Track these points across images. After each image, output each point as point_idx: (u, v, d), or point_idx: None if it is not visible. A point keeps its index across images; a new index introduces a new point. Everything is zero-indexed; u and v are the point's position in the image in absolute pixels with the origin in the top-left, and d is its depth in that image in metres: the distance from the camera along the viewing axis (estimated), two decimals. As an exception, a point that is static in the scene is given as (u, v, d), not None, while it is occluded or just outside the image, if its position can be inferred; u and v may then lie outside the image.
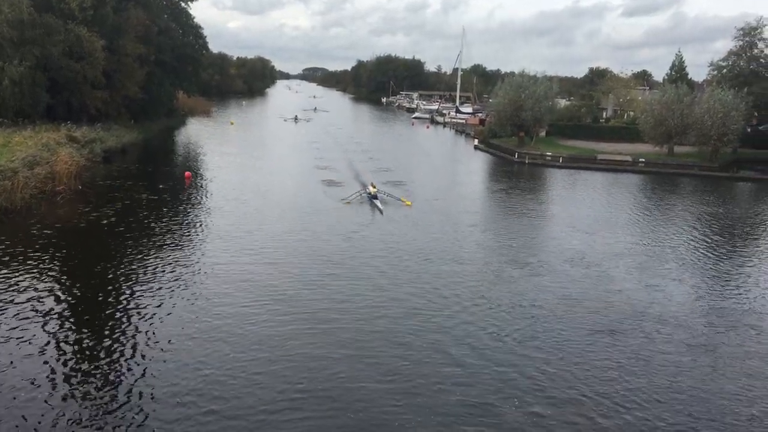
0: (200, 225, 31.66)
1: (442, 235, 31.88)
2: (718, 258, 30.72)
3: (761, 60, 69.82)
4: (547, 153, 65.33)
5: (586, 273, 26.65)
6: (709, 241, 34.10)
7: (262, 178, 46.41)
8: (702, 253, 31.45)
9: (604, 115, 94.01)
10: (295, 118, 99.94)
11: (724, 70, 71.31)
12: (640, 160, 63.48)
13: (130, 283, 22.71)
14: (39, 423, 13.59)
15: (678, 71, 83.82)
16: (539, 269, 26.89)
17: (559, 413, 15.12)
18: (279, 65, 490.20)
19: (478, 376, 16.82)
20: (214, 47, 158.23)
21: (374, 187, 39.49)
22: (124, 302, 20.87)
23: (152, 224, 30.97)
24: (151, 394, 15.00)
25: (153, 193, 38.22)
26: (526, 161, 63.89)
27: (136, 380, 15.69)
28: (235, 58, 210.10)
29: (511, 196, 45.63)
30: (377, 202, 37.28)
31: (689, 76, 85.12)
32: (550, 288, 24.49)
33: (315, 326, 19.49)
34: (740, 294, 25.22)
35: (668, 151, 66.72)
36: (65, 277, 23.02)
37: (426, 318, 20.64)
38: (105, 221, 30.80)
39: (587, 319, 21.41)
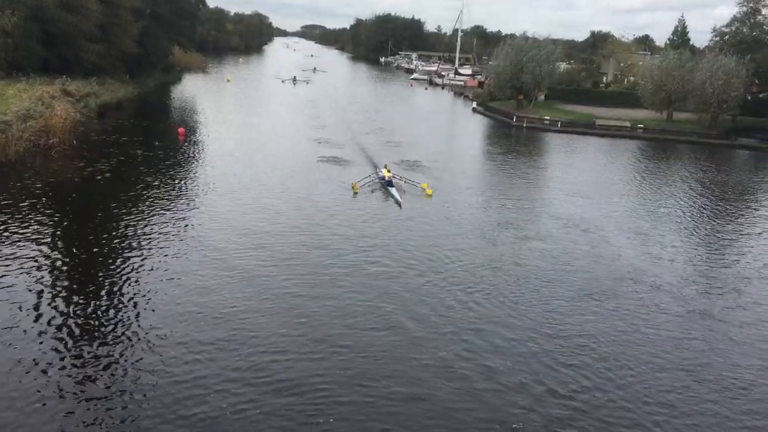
0: (193, 181, 31.52)
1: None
2: (714, 225, 30.80)
3: (764, 27, 68.94)
4: (546, 117, 64.91)
5: (581, 237, 26.66)
6: (706, 208, 34.13)
7: (258, 137, 46.04)
8: (698, 219, 31.53)
9: (604, 80, 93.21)
10: (294, 79, 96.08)
11: (727, 37, 70.41)
12: (639, 126, 63.18)
13: (123, 238, 22.62)
14: (19, 363, 13.63)
15: (680, 36, 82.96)
16: (535, 233, 26.89)
17: (550, 376, 15.21)
18: (277, 22, 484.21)
19: (472, 341, 16.88)
20: (211, 2, 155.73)
21: (389, 171, 33.15)
22: (116, 257, 20.81)
23: (146, 180, 30.77)
24: (142, 350, 15.03)
25: (147, 149, 37.92)
26: (525, 125, 63.48)
27: (126, 335, 15.69)
28: (232, 14, 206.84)
29: (508, 160, 45.45)
30: (393, 190, 31.30)
31: (691, 42, 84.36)
32: (545, 251, 24.51)
33: (303, 279, 19.51)
34: (734, 260, 25.34)
35: (667, 117, 66.40)
36: (58, 230, 22.89)
37: (418, 278, 20.66)
38: (99, 177, 30.59)
39: (581, 283, 21.46)
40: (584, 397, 14.47)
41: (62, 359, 14.39)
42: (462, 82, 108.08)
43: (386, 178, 32.14)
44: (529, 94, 71.72)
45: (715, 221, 31.61)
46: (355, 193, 31.05)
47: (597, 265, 23.47)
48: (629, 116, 66.51)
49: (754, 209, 35.53)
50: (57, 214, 24.56)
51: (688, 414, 14.13)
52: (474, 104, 79.26)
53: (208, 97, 70.43)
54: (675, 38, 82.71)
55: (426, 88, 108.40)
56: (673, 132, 62.61)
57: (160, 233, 23.29)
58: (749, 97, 67.73)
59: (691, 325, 18.84)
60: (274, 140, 45.07)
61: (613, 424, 13.48)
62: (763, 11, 68.22)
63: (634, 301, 20.24)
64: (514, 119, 64.98)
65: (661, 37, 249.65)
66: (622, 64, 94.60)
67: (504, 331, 17.40)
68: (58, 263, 19.92)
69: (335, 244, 23.40)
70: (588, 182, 38.72)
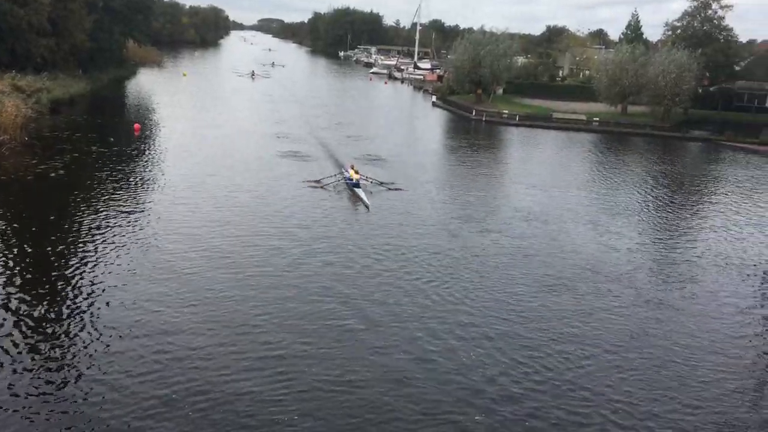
0: (149, 178, 30.96)
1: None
2: (669, 216, 31.54)
3: (714, 21, 70.74)
4: (504, 111, 65.53)
5: (539, 229, 27.02)
6: (660, 199, 34.92)
7: (215, 133, 45.45)
8: (653, 211, 32.26)
9: (560, 74, 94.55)
10: (252, 74, 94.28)
11: (678, 31, 72.13)
12: (594, 119, 64.25)
13: (77, 235, 22.12)
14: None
15: (634, 31, 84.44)
16: (495, 225, 27.16)
17: (506, 368, 15.39)
18: (233, 15, 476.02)
19: (427, 329, 16.98)
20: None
21: (356, 172, 31.17)
22: (70, 254, 20.34)
23: (101, 177, 30.14)
24: (100, 345, 14.76)
25: (102, 146, 37.12)
26: (484, 119, 63.99)
27: (78, 335, 15.38)
28: (187, 7, 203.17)
29: (468, 154, 45.79)
30: (360, 192, 29.74)
31: (645, 36, 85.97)
32: (505, 244, 24.78)
33: (262, 284, 19.39)
34: (689, 250, 25.96)
35: (622, 110, 67.67)
36: (9, 228, 22.25)
37: (379, 273, 20.70)
38: (53, 174, 29.84)
39: (540, 274, 21.75)
40: (543, 383, 14.67)
41: (13, 359, 14.03)
42: (421, 76, 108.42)
43: (353, 180, 30.54)
44: (488, 88, 72.30)
45: (669, 212, 32.37)
46: (318, 187, 30.62)
47: (555, 256, 23.81)
48: (585, 109, 67.62)
49: (707, 200, 36.46)
50: (8, 212, 23.87)
51: (642, 399, 14.44)
52: (434, 98, 79.57)
53: (164, 92, 69.17)
54: (629, 32, 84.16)
55: (385, 82, 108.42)
56: (628, 125, 63.83)
57: (115, 231, 22.83)
58: (700, 90, 69.51)
59: (647, 314, 19.25)
60: (231, 136, 44.52)
61: (570, 410, 13.70)
62: (713, 6, 69.98)
63: (592, 292, 20.59)
64: (474, 113, 65.44)
65: (617, 31, 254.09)
66: (577, 58, 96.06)
67: (465, 320, 17.54)
68: (10, 262, 19.38)
69: (294, 247, 22.98)
70: (546, 175, 39.25)
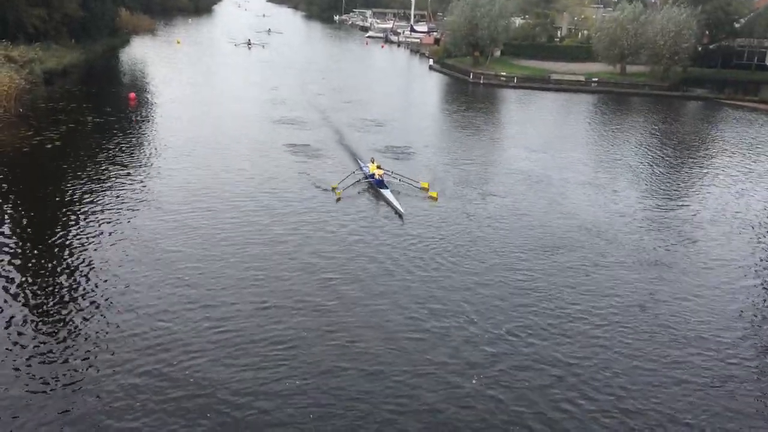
0: (146, 148, 30.83)
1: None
2: (668, 176, 31.47)
3: (714, -23, 69.58)
4: (502, 73, 64.93)
5: (539, 191, 27.01)
6: (659, 159, 34.80)
7: (212, 101, 45.12)
8: (652, 171, 32.18)
9: (558, 34, 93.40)
10: (249, 43, 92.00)
11: (678, -12, 71.00)
12: (593, 80, 63.70)
13: (74, 206, 22.08)
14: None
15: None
16: (493, 188, 27.14)
17: (506, 325, 15.50)
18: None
19: (420, 287, 17.07)
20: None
21: (378, 167, 26.02)
22: (67, 225, 20.33)
23: (98, 147, 30.00)
24: (95, 319, 14.84)
25: (98, 116, 36.84)
26: (481, 81, 63.46)
27: (76, 306, 15.46)
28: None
29: (466, 117, 45.51)
30: (388, 193, 24.62)
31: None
32: (502, 206, 24.80)
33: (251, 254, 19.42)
34: (688, 210, 25.97)
35: (621, 70, 67.05)
36: (5, 200, 22.24)
37: (372, 233, 20.74)
38: (48, 145, 29.68)
39: (539, 235, 21.81)
40: (540, 343, 14.81)
41: (8, 330, 14.12)
42: (418, 40, 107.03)
43: (376, 177, 25.44)
44: (485, 51, 71.50)
45: (669, 172, 32.29)
46: (338, 199, 24.62)
47: (554, 217, 23.84)
48: (583, 70, 66.99)
49: (707, 159, 36.34)
50: (3, 185, 23.81)
51: (640, 358, 14.58)
52: (430, 62, 78.75)
53: (159, 60, 68.36)
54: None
55: (382, 46, 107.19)
56: (627, 85, 63.34)
57: (113, 201, 22.83)
58: (700, 49, 68.74)
59: (645, 275, 19.33)
60: (228, 105, 44.19)
61: (568, 368, 13.82)
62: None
63: (591, 252, 20.66)
64: (471, 76, 64.87)
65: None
66: (576, 18, 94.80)
67: (462, 282, 17.62)
68: (7, 233, 19.41)
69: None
70: (545, 137, 39.06)
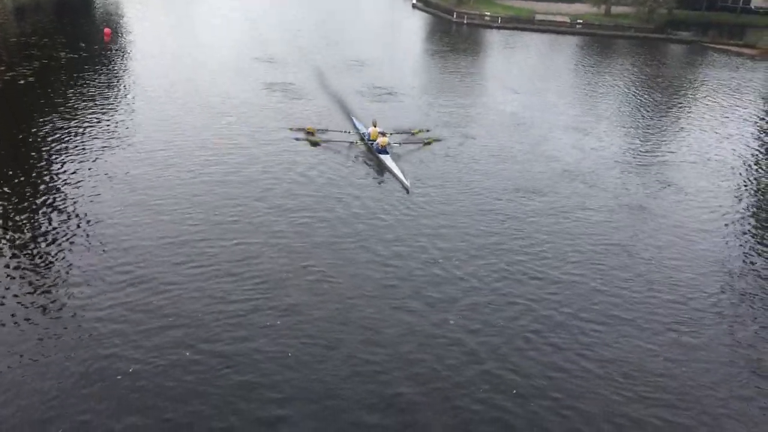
0: (122, 84, 30.11)
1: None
2: (650, 119, 31.40)
3: None
4: (486, 13, 63.79)
5: (521, 134, 26.86)
6: (642, 102, 34.67)
7: (188, 34, 43.96)
8: (635, 113, 32.09)
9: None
10: None
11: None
12: (578, 21, 62.85)
13: (46, 144, 21.60)
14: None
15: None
16: (475, 131, 26.92)
17: (487, 269, 15.59)
18: None
19: (388, 231, 17.06)
20: None
21: (381, 133, 22.72)
22: (39, 163, 19.96)
23: (72, 83, 29.25)
24: (74, 264, 14.69)
25: (71, 51, 35.80)
26: (465, 21, 62.35)
27: (50, 241, 15.27)
28: None
29: (449, 59, 44.81)
30: (390, 162, 21.59)
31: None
32: (484, 148, 24.65)
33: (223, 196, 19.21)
34: (669, 150, 26.04)
35: (605, 11, 66.23)
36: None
37: (348, 180, 20.58)
38: (21, 81, 28.88)
39: (519, 179, 21.76)
40: (520, 286, 14.91)
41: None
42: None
43: (380, 146, 22.18)
44: (469, -11, 70.00)
45: (652, 116, 32.18)
46: (314, 143, 23.09)
47: (535, 161, 23.77)
48: (568, 11, 66.04)
49: (690, 103, 36.25)
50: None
51: (614, 288, 14.77)
52: (414, 0, 77.11)
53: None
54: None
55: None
56: (611, 27, 62.58)
57: (85, 137, 22.40)
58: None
59: (624, 218, 19.41)
60: (206, 41, 43.12)
61: (551, 306, 13.98)
62: None
63: (571, 195, 20.67)
64: (455, 16, 63.69)
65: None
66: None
67: (442, 224, 17.61)
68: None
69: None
70: (529, 80, 38.69)
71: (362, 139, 23.54)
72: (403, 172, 20.91)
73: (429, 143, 24.28)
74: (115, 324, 12.37)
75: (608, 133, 28.10)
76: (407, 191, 19.83)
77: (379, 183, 20.50)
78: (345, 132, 24.39)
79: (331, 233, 16.77)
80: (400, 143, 23.83)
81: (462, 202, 19.47)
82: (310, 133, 23.82)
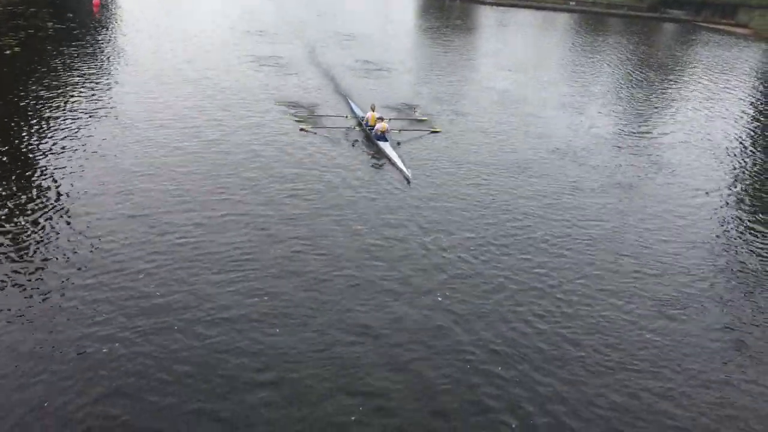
0: (108, 57, 29.69)
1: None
2: (641, 98, 31.36)
3: None
4: (480, -11, 63.39)
5: (513, 112, 26.75)
6: (634, 82, 34.64)
7: (181, 8, 43.44)
8: (626, 93, 32.05)
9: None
10: None
11: None
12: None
13: (31, 116, 21.22)
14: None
15: None
16: (467, 108, 26.79)
17: (476, 248, 15.56)
18: None
19: (373, 204, 17.00)
20: None
21: (381, 118, 21.20)
22: (22, 136, 19.57)
23: (59, 54, 28.83)
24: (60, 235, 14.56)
25: (59, 22, 35.32)
26: (458, -3, 61.99)
27: (33, 219, 15.12)
28: None
29: (442, 35, 44.52)
30: (389, 150, 20.29)
31: None
32: (476, 126, 24.51)
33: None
34: (659, 130, 26.03)
35: (600, -11, 65.94)
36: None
37: (335, 162, 20.48)
38: (8, 51, 28.46)
39: (511, 157, 21.65)
40: (508, 261, 14.89)
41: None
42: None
43: (379, 132, 20.68)
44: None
45: (644, 95, 32.12)
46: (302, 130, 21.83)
47: (527, 139, 23.66)
48: (563, -12, 65.66)
49: (682, 82, 36.28)
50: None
51: (604, 265, 14.80)
52: (407, -25, 76.41)
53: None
54: None
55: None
56: (605, 5, 62.37)
57: (70, 111, 21.96)
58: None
59: (613, 198, 19.36)
60: (196, 14, 42.61)
61: (541, 281, 14.00)
62: None
63: (561, 174, 20.58)
64: (448, -9, 63.26)
65: None
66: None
67: (431, 204, 17.54)
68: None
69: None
70: (521, 57, 38.52)
71: (360, 125, 22.19)
72: (403, 160, 19.68)
73: (437, 131, 22.86)
74: (94, 301, 12.24)
75: (599, 111, 27.97)
76: (408, 182, 18.59)
77: (377, 172, 19.99)
78: (342, 117, 22.97)
79: (324, 227, 16.57)
80: (399, 130, 22.32)
81: (455, 181, 19.35)
82: (301, 121, 22.57)
